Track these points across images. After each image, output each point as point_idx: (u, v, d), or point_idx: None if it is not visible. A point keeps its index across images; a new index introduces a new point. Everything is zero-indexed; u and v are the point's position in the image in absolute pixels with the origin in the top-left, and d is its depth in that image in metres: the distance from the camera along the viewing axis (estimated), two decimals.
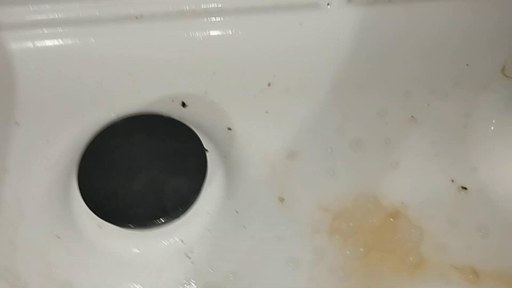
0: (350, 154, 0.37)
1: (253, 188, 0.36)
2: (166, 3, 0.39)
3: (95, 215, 0.31)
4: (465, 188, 0.36)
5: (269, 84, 0.40)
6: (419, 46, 0.40)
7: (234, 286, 0.32)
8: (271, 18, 0.40)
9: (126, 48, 0.39)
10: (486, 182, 0.36)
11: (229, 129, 0.38)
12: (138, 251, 0.32)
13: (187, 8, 0.39)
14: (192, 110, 0.38)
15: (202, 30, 0.39)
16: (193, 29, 0.39)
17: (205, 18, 0.39)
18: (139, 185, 0.32)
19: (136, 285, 0.32)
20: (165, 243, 0.32)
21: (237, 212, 0.34)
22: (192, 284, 0.32)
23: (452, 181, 0.36)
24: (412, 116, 0.38)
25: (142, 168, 0.32)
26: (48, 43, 0.38)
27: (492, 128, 0.37)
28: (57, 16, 0.38)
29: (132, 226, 0.31)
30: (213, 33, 0.39)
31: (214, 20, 0.39)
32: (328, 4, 0.40)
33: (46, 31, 0.38)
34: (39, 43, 0.38)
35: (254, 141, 0.37)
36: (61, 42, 0.38)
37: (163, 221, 0.31)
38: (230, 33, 0.39)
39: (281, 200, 0.35)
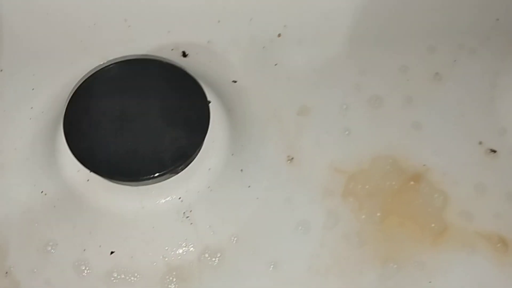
0: (367, 112, 0.34)
1: (259, 145, 0.32)
2: None
3: (83, 168, 0.28)
4: (494, 151, 0.32)
5: (279, 35, 0.36)
6: None
7: (236, 250, 0.29)
8: None
9: None
10: None
11: (234, 81, 0.34)
12: (131, 209, 0.29)
13: None
14: (193, 60, 0.35)
15: None
16: None
17: None
18: (133, 136, 0.28)
19: (126, 246, 0.29)
20: (162, 201, 0.29)
21: (242, 171, 0.31)
22: (190, 247, 0.29)
23: (480, 143, 0.33)
24: (437, 73, 0.35)
25: (136, 117, 0.29)
26: None
27: None
28: None
29: (125, 181, 0.28)
30: None
31: None
32: None
33: None
34: None
35: (262, 95, 0.34)
36: None
37: (159, 176, 0.27)
38: None
39: (290, 159, 0.32)
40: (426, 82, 0.35)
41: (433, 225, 0.30)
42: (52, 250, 0.29)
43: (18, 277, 0.28)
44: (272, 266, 0.29)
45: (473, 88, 0.35)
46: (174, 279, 0.28)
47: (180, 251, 0.29)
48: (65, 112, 0.29)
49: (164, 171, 0.28)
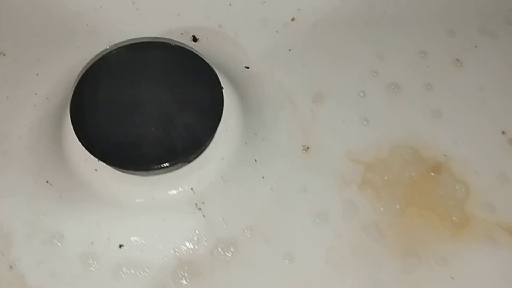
0: (385, 99, 0.32)
1: (273, 134, 0.31)
2: None
3: (91, 156, 0.26)
4: None
5: (293, 19, 0.34)
6: None
7: (250, 242, 0.28)
8: None
9: None
10: None
11: (247, 67, 0.33)
12: (141, 200, 0.27)
13: None
14: (204, 44, 0.34)
15: None
16: None
17: None
18: (143, 123, 0.27)
19: (137, 239, 0.27)
20: (173, 191, 0.28)
21: (256, 161, 0.30)
22: (203, 240, 0.28)
23: (503, 132, 0.31)
24: (457, 59, 0.34)
25: (147, 104, 0.27)
26: None
27: None
28: None
29: (135, 170, 0.27)
30: None
31: None
32: None
33: None
34: None
35: (275, 81, 0.33)
36: None
37: (170, 165, 0.26)
38: None
39: (306, 148, 0.31)
40: (446, 68, 0.34)
41: (454, 217, 0.29)
42: (58, 243, 0.27)
43: (23, 271, 0.27)
44: (287, 260, 0.28)
45: (494, 75, 0.33)
46: (186, 274, 0.27)
47: (192, 244, 0.27)
48: (72, 98, 0.28)
49: (176, 161, 0.26)
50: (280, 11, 0.35)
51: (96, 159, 0.26)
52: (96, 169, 0.28)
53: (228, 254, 0.28)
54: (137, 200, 0.28)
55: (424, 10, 0.35)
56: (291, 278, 0.28)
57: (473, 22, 0.35)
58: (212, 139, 0.27)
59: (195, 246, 0.27)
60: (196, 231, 0.28)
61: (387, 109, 0.32)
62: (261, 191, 0.29)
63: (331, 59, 0.33)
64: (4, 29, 0.32)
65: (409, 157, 0.31)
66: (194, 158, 0.27)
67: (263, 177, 0.29)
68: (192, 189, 0.28)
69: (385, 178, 0.30)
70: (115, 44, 0.31)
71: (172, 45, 0.29)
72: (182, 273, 0.27)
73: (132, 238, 0.27)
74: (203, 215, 0.28)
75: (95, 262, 0.27)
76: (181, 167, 0.27)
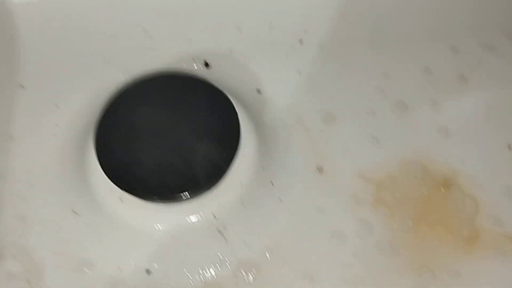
0: (393, 117, 0.34)
1: (288, 156, 0.32)
2: None
3: (115, 187, 0.27)
4: None
5: (300, 41, 0.35)
6: None
7: (271, 264, 0.29)
8: None
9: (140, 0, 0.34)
10: None
11: (259, 91, 0.34)
12: (164, 228, 0.29)
13: None
14: (216, 70, 0.35)
15: None
16: None
17: None
18: (164, 153, 0.28)
19: (162, 265, 0.29)
20: (195, 218, 0.29)
21: (273, 184, 0.31)
22: (226, 263, 0.29)
23: (509, 146, 0.33)
24: (462, 75, 0.35)
25: (167, 134, 0.29)
26: None
27: None
28: None
29: (157, 199, 0.28)
30: None
31: None
32: None
33: None
34: None
35: (286, 104, 0.34)
36: None
37: (192, 193, 0.27)
38: None
39: (320, 169, 0.32)
40: (451, 85, 0.35)
41: (465, 232, 0.30)
42: (87, 270, 0.28)
43: None
44: (307, 279, 0.29)
45: (500, 89, 0.34)
46: None
47: (216, 268, 0.29)
48: (96, 130, 0.29)
49: (198, 188, 0.27)
50: (288, 33, 0.36)
51: (120, 189, 0.28)
52: (120, 199, 0.29)
53: (250, 276, 0.29)
54: (159, 227, 0.29)
55: (427, 28, 0.36)
56: None
57: (476, 38, 0.36)
58: (231, 166, 0.29)
59: (219, 269, 0.29)
60: (219, 255, 0.29)
61: (395, 127, 0.33)
62: (279, 214, 0.30)
63: (338, 79, 0.34)
64: (24, 64, 0.33)
65: (418, 173, 0.32)
66: (214, 185, 0.28)
67: (280, 200, 0.31)
68: (213, 214, 0.29)
69: (397, 195, 0.31)
70: (133, 75, 0.32)
71: (188, 76, 0.30)
72: None
73: (159, 264, 0.29)
74: (225, 239, 0.29)
75: None
76: (201, 194, 0.28)
